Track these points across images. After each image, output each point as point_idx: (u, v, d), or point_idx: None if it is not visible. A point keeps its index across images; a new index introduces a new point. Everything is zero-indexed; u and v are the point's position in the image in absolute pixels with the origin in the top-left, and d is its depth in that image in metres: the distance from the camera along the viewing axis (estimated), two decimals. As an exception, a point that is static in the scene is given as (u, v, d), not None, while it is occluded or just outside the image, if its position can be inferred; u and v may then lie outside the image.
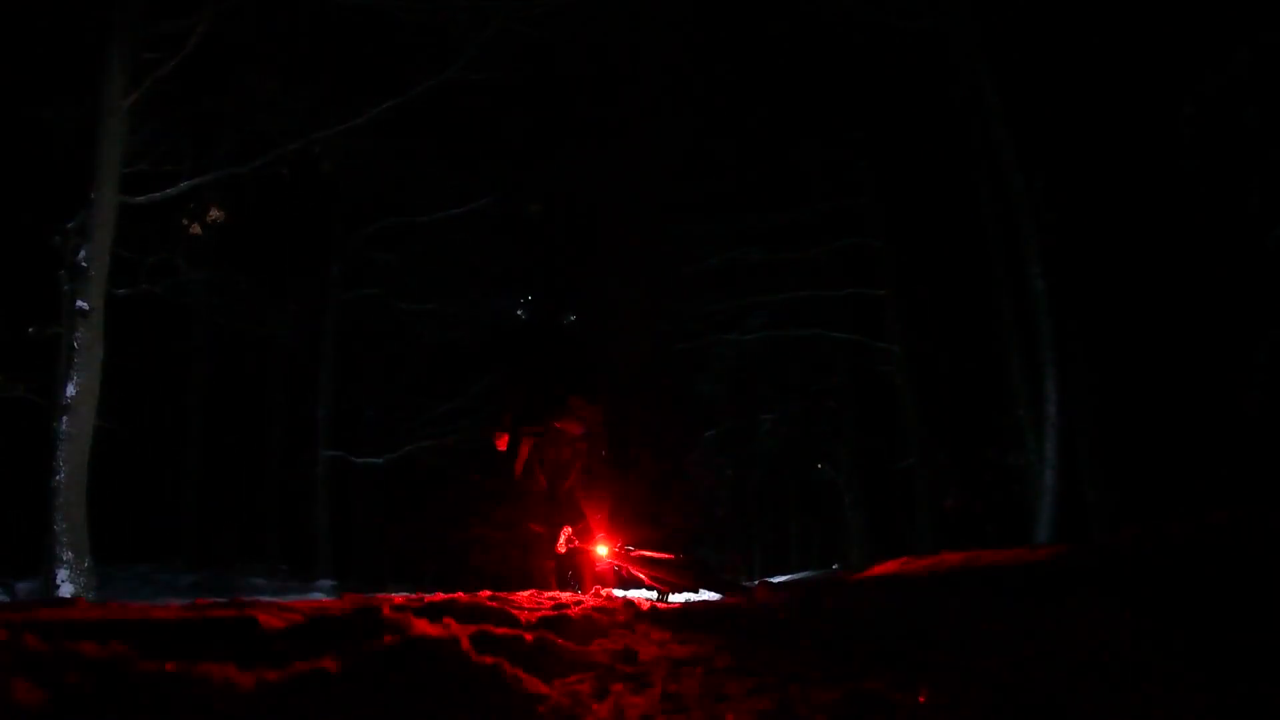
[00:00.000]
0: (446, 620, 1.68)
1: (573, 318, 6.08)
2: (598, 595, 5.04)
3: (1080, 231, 10.80)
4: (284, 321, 13.72)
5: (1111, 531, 9.62)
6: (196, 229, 10.48)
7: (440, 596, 3.49)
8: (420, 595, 4.62)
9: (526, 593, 4.63)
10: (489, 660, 1.22)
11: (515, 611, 2.46)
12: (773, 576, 13.17)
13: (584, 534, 6.38)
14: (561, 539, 6.47)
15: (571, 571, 6.41)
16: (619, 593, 5.88)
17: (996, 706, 1.27)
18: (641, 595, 6.01)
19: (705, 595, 6.07)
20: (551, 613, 2.63)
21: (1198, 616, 1.62)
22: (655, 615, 3.13)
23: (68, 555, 6.53)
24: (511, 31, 10.12)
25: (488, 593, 3.89)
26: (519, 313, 5.81)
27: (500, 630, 1.73)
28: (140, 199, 7.99)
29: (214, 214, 10.40)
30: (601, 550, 6.36)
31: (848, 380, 15.91)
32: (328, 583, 11.09)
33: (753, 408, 17.66)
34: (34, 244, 9.48)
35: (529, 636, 1.69)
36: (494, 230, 14.09)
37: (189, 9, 7.65)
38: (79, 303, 6.90)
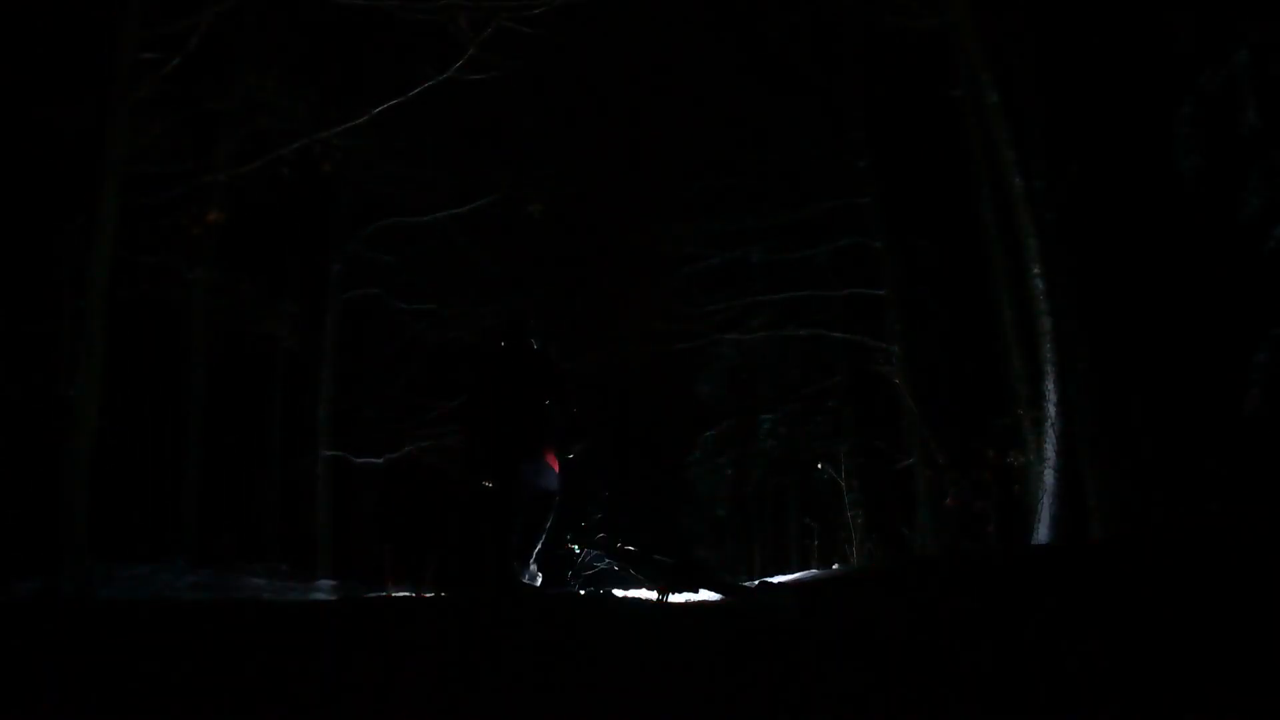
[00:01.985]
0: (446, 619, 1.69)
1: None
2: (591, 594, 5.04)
3: (1080, 231, 10.79)
4: (284, 321, 13.71)
5: (1111, 531, 9.61)
6: (197, 229, 10.48)
7: (440, 597, 3.49)
8: (420, 595, 4.62)
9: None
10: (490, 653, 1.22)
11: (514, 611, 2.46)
12: (773, 576, 13.16)
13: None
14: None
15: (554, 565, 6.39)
16: (619, 592, 5.89)
17: (996, 705, 1.27)
18: (641, 595, 6.01)
19: (705, 595, 6.08)
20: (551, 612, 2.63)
21: (1197, 615, 1.62)
22: (654, 614, 3.13)
23: (68, 555, 6.53)
24: (512, 31, 10.12)
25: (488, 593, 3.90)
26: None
27: (500, 629, 1.73)
28: (142, 200, 7.99)
29: (214, 214, 10.40)
30: (600, 549, 6.37)
31: (848, 380, 15.90)
32: (328, 583, 11.09)
33: (753, 408, 17.66)
34: (36, 245, 9.49)
35: (529, 635, 1.70)
36: (494, 230, 14.09)
37: (190, 9, 7.66)
38: (80, 303, 6.91)
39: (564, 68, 14.14)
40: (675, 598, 5.91)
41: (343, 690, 1.75)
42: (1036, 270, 9.44)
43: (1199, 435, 9.79)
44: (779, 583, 9.78)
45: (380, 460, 13.46)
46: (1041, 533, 8.96)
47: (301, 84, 11.31)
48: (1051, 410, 9.13)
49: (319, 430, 12.81)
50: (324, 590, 10.17)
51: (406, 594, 11.89)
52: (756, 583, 10.58)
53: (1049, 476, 9.10)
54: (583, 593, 5.97)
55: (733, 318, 15.13)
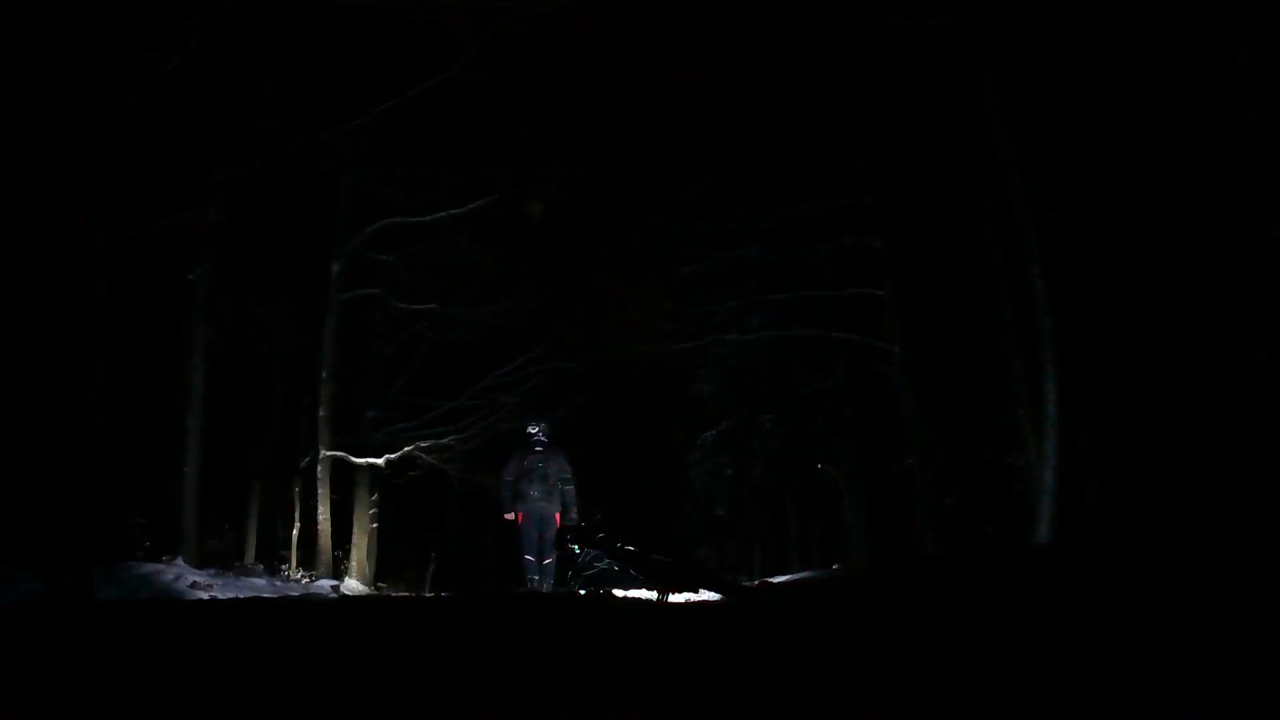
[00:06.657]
0: (446, 619, 1.69)
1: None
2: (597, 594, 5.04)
3: (1080, 231, 10.79)
4: (284, 321, 13.69)
5: (1111, 531, 9.61)
6: (197, 229, 10.48)
7: (441, 595, 3.49)
8: (420, 595, 4.63)
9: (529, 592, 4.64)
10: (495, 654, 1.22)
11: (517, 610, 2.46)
12: (773, 576, 13.16)
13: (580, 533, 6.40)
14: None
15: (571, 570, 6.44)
16: (619, 592, 5.89)
17: (996, 706, 1.27)
18: (641, 595, 6.01)
19: (705, 595, 6.08)
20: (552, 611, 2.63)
21: (1196, 614, 1.62)
22: (654, 614, 3.14)
23: (68, 555, 6.53)
24: (512, 32, 10.13)
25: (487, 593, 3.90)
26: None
27: (500, 629, 1.73)
28: (142, 200, 8.00)
29: (214, 214, 10.40)
30: (600, 549, 6.38)
31: (848, 380, 15.88)
32: (328, 583, 11.09)
33: (753, 408, 17.64)
34: (37, 245, 9.49)
35: (530, 635, 1.70)
36: (494, 230, 14.07)
37: (190, 9, 7.66)
38: (80, 303, 6.91)
39: (564, 68, 14.11)
40: (675, 598, 5.92)
41: (353, 690, 1.75)
42: (1036, 270, 9.45)
43: (1199, 435, 9.79)
44: (779, 583, 9.79)
45: (380, 460, 13.45)
46: (1041, 532, 8.97)
47: (301, 84, 11.31)
48: (1051, 410, 9.14)
49: (319, 430, 12.80)
50: (324, 590, 10.17)
51: (406, 594, 11.91)
52: (756, 583, 10.58)
53: (1049, 476, 9.10)
54: (583, 593, 5.98)
55: (733, 318, 15.12)
